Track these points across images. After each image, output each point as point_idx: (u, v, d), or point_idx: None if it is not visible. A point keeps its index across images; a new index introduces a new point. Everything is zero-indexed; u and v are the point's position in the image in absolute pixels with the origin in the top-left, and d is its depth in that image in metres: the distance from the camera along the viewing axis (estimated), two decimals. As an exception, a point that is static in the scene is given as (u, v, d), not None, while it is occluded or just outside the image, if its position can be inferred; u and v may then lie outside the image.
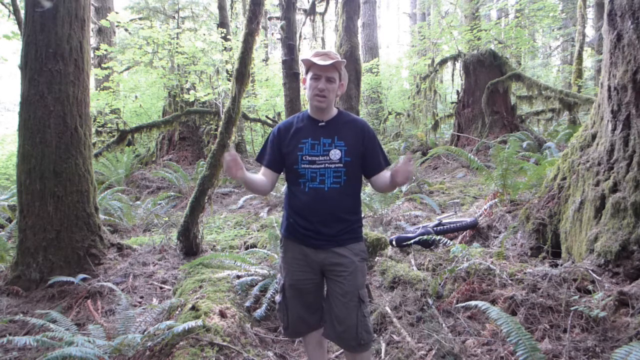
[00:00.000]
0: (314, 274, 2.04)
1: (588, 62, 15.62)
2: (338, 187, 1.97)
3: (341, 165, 1.97)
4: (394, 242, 4.03)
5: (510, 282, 2.70)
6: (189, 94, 9.41)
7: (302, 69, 2.07)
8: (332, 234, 1.98)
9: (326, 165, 1.97)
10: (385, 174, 2.04)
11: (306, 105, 12.41)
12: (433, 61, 11.84)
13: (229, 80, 9.76)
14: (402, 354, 2.41)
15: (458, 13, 15.33)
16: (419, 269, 3.52)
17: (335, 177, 1.97)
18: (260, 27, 4.13)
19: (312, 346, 2.22)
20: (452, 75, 11.30)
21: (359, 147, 2.01)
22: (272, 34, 17.98)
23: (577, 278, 2.55)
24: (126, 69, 12.11)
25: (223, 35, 10.36)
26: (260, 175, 2.08)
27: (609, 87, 2.86)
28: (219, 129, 4.13)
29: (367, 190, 5.57)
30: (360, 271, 2.00)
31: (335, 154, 1.97)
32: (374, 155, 2.05)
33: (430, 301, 2.92)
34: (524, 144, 7.97)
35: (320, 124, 2.03)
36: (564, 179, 3.37)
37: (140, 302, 3.39)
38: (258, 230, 5.50)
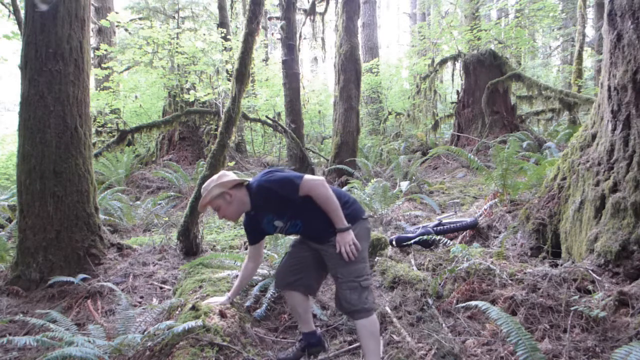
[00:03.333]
0: (308, 248, 2.47)
1: (588, 62, 15.63)
2: (302, 228, 2.40)
3: (288, 223, 2.37)
4: (394, 242, 4.03)
5: (510, 282, 2.70)
6: (189, 94, 9.41)
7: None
8: (320, 240, 2.39)
9: (284, 228, 2.40)
10: (311, 196, 2.28)
11: (306, 106, 12.32)
12: (433, 61, 11.84)
13: (229, 80, 9.76)
14: (402, 354, 2.41)
15: (458, 13, 15.32)
16: (419, 269, 3.51)
17: (294, 227, 2.40)
18: (260, 27, 4.13)
19: (290, 303, 2.58)
20: (452, 75, 11.29)
21: (276, 204, 2.30)
22: (272, 34, 17.98)
23: (577, 278, 2.55)
24: (126, 69, 12.10)
25: (223, 35, 10.36)
26: (244, 275, 2.67)
27: (609, 87, 2.86)
28: (219, 129, 4.13)
29: (367, 190, 5.57)
30: (335, 258, 2.30)
31: (278, 222, 2.38)
32: (284, 198, 2.26)
33: (430, 301, 2.92)
34: (524, 144, 7.97)
35: (252, 214, 2.45)
36: (564, 179, 3.37)
37: (140, 302, 3.39)
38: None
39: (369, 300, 2.27)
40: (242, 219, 2.56)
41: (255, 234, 2.55)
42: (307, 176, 2.25)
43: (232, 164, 8.52)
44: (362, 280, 2.27)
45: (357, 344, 2.67)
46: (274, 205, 2.30)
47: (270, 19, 14.88)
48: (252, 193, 2.33)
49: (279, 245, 3.68)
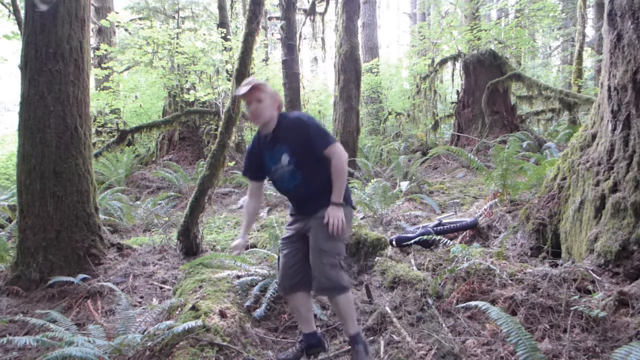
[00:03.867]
0: (298, 238, 2.47)
1: (588, 62, 15.63)
2: (298, 184, 2.37)
3: (292, 166, 2.34)
4: (394, 242, 4.03)
5: (510, 282, 2.70)
6: (189, 94, 9.41)
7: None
8: (308, 211, 2.42)
9: (283, 170, 2.37)
10: (331, 161, 2.33)
11: (306, 106, 12.35)
12: (433, 61, 11.83)
13: (229, 80, 9.75)
14: (402, 354, 2.41)
15: (458, 13, 15.32)
16: (419, 269, 3.51)
17: (292, 177, 2.36)
18: (260, 27, 4.13)
19: (292, 304, 2.56)
20: (452, 75, 11.29)
21: (299, 142, 2.32)
22: (272, 34, 17.97)
23: (577, 278, 2.55)
24: (126, 69, 12.09)
25: (223, 35, 10.35)
26: (249, 212, 2.62)
27: (609, 87, 2.86)
28: (219, 129, 4.13)
29: (367, 190, 5.57)
30: (321, 228, 2.32)
31: (285, 159, 2.35)
32: (310, 140, 2.32)
33: (430, 301, 2.92)
34: (524, 144, 7.96)
35: (267, 138, 2.41)
36: (564, 179, 3.37)
37: (140, 302, 3.39)
38: (258, 230, 5.50)
39: (345, 279, 2.40)
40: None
41: (254, 166, 2.52)
42: (339, 143, 2.35)
43: (232, 164, 8.52)
44: (341, 259, 2.38)
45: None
46: (296, 141, 2.31)
47: (270, 19, 14.87)
48: (285, 120, 2.38)
49: (279, 246, 3.68)
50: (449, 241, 3.32)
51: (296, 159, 2.32)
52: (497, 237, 3.88)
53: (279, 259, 2.53)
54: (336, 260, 2.33)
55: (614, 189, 2.72)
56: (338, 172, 2.31)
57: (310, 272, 2.44)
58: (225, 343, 2.41)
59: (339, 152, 2.31)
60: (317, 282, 2.33)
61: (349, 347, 2.47)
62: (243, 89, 2.31)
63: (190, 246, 4.22)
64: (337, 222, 2.27)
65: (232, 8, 14.28)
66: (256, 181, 2.59)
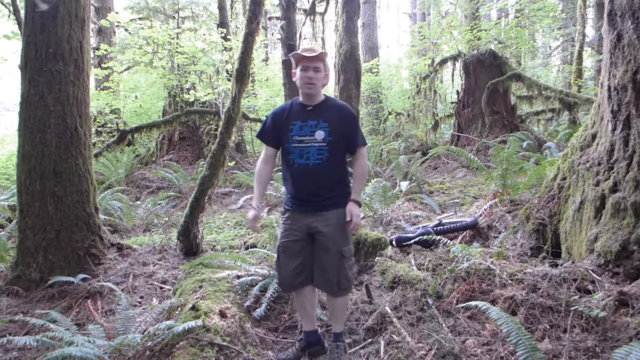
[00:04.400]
0: (301, 236, 2.41)
1: (588, 62, 15.62)
2: (320, 163, 2.33)
3: (324, 144, 2.32)
4: (394, 242, 4.03)
5: (510, 282, 2.70)
6: (189, 94, 9.41)
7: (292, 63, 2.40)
8: (318, 201, 2.35)
9: (311, 144, 2.33)
10: (358, 160, 2.43)
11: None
12: (433, 61, 11.83)
13: (229, 80, 9.75)
14: (402, 354, 2.41)
15: (458, 13, 15.32)
16: (419, 269, 3.51)
17: (318, 154, 2.33)
18: (260, 27, 4.13)
19: (299, 299, 2.56)
20: (452, 75, 11.29)
21: (340, 127, 2.36)
22: (272, 34, 17.97)
23: (577, 278, 2.54)
24: (126, 69, 12.10)
25: (223, 35, 10.35)
26: (260, 179, 2.54)
27: (609, 87, 2.86)
28: (219, 129, 4.13)
29: (367, 190, 5.57)
30: (340, 232, 2.36)
31: (320, 134, 2.32)
32: (351, 133, 2.40)
33: (430, 301, 2.92)
34: (524, 144, 7.96)
35: (308, 108, 2.38)
36: (564, 179, 3.37)
37: (140, 302, 3.39)
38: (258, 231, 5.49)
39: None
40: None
41: (276, 130, 2.43)
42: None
43: (232, 164, 8.52)
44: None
45: (359, 346, 2.67)
46: (339, 124, 2.35)
47: (270, 19, 14.87)
48: (331, 101, 2.44)
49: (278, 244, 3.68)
50: (449, 241, 3.32)
51: (331, 139, 2.33)
52: (497, 237, 3.88)
53: (278, 257, 2.49)
54: (352, 262, 2.44)
55: (614, 189, 2.72)
56: (363, 172, 2.43)
57: (312, 268, 2.45)
58: (225, 343, 2.41)
59: (366, 155, 2.47)
60: (335, 283, 2.37)
61: (333, 342, 2.56)
62: (309, 52, 2.30)
63: (190, 246, 4.22)
64: (358, 221, 2.33)
65: (232, 8, 14.28)
66: (273, 147, 2.51)
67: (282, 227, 2.50)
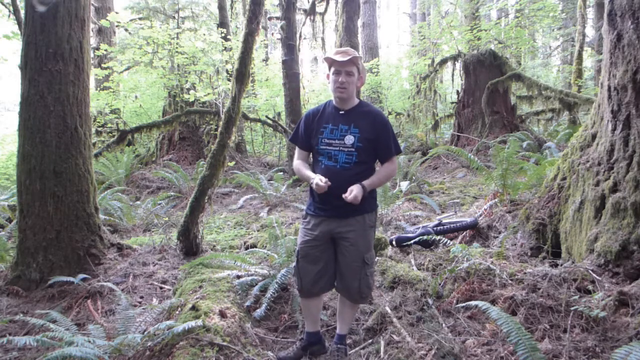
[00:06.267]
0: (322, 241, 2.38)
1: (588, 62, 15.63)
2: (348, 167, 2.31)
3: (353, 149, 2.31)
4: (394, 242, 4.03)
5: (510, 282, 2.70)
6: (189, 94, 9.40)
7: (325, 66, 2.40)
8: (342, 205, 2.28)
9: (340, 148, 2.32)
10: (387, 163, 2.42)
11: (306, 106, 12.39)
12: (433, 61, 11.84)
13: (229, 80, 9.76)
14: (402, 354, 2.41)
15: (458, 13, 15.32)
16: (419, 269, 3.51)
17: (347, 158, 2.32)
18: (260, 27, 4.13)
19: (307, 303, 2.54)
20: (452, 75, 11.29)
21: (371, 134, 2.33)
22: (272, 34, 17.96)
23: (577, 278, 2.54)
24: (126, 69, 12.09)
25: (223, 35, 10.35)
26: (304, 165, 2.50)
27: (609, 87, 2.86)
28: (219, 129, 4.13)
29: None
30: (363, 239, 2.34)
31: (349, 139, 2.31)
32: (382, 142, 2.37)
33: (430, 301, 2.92)
34: (524, 144, 7.96)
35: (340, 112, 2.38)
36: (564, 179, 3.37)
37: (140, 302, 3.39)
38: (258, 230, 5.50)
39: None
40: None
41: (308, 133, 2.44)
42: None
43: (232, 164, 8.51)
44: None
45: (359, 346, 2.67)
46: (370, 131, 2.32)
47: (270, 19, 14.87)
48: (366, 107, 2.42)
49: (279, 246, 3.68)
50: (449, 241, 3.32)
51: (360, 146, 2.31)
52: (497, 237, 3.88)
53: (297, 262, 2.45)
54: (374, 270, 2.48)
55: (614, 189, 2.72)
56: (387, 174, 2.41)
57: (333, 275, 2.45)
58: (225, 343, 2.41)
59: (396, 163, 2.45)
60: (357, 291, 2.37)
61: (335, 343, 2.57)
62: (342, 57, 2.25)
63: (190, 246, 4.22)
64: (354, 200, 2.20)
65: (232, 8, 14.29)
66: (305, 150, 2.51)
67: (302, 231, 2.46)
